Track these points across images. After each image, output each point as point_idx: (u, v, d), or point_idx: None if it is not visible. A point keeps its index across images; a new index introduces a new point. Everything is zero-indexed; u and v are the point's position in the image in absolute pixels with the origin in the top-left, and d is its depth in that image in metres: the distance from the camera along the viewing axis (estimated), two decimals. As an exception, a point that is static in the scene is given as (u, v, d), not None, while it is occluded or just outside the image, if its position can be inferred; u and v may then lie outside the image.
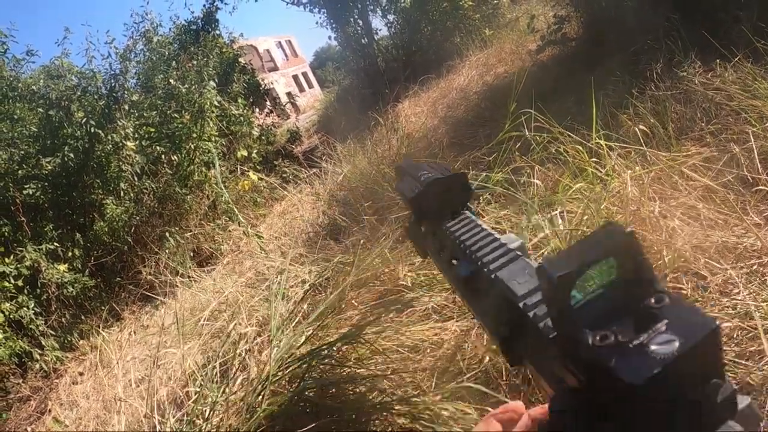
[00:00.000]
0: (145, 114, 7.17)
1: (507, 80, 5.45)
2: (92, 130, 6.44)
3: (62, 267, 6.61)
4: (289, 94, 30.25)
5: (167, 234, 5.58)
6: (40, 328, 6.32)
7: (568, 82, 4.01)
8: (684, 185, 1.88)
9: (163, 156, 6.08)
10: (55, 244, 6.65)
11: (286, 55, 32.72)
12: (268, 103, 11.22)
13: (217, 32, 10.82)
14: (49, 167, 6.61)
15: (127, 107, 6.60)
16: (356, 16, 10.76)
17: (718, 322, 0.27)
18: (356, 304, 1.79)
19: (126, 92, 6.51)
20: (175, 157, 6.55)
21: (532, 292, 0.36)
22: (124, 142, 6.49)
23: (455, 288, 0.49)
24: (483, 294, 0.41)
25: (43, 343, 6.20)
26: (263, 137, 9.20)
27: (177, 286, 3.67)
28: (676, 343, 0.26)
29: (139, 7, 10.32)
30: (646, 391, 0.24)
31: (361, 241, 2.42)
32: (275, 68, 30.24)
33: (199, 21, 10.97)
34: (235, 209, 3.59)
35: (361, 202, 3.14)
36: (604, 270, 0.29)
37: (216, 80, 8.13)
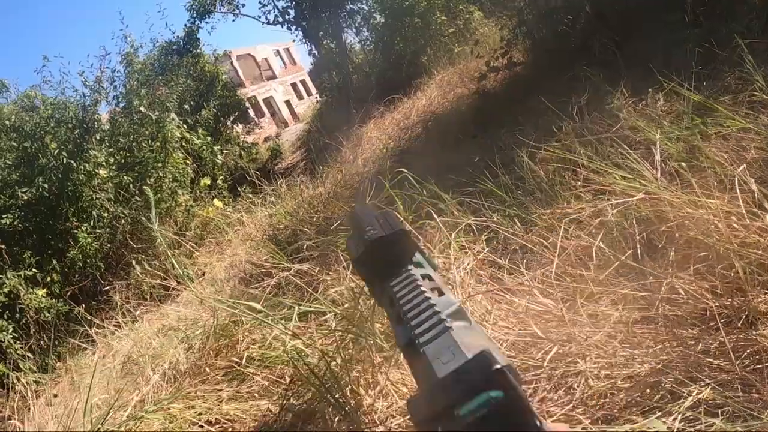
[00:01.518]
0: (121, 139, 7.39)
1: (453, 107, 5.54)
2: (65, 161, 6.68)
3: (41, 292, 6.87)
4: (287, 102, 30.51)
5: (133, 262, 5.80)
6: (19, 351, 6.57)
7: (492, 123, 4.06)
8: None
9: (131, 185, 6.30)
10: (34, 270, 6.90)
11: (284, 63, 32.90)
12: (252, 118, 11.41)
13: (198, 50, 11.10)
14: (26, 197, 6.85)
15: (98, 137, 6.83)
16: (330, 35, 10.94)
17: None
18: (209, 370, 1.95)
19: (96, 123, 6.73)
20: (149, 181, 6.77)
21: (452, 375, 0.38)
22: (96, 170, 6.72)
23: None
24: (418, 362, 0.43)
25: (21, 365, 6.44)
26: (243, 154, 9.40)
27: (119, 328, 3.86)
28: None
29: (118, 30, 10.56)
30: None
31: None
32: (273, 76, 30.44)
33: (181, 41, 11.26)
34: (169, 253, 3.76)
35: (284, 245, 3.30)
36: None
37: (191, 103, 8.35)
